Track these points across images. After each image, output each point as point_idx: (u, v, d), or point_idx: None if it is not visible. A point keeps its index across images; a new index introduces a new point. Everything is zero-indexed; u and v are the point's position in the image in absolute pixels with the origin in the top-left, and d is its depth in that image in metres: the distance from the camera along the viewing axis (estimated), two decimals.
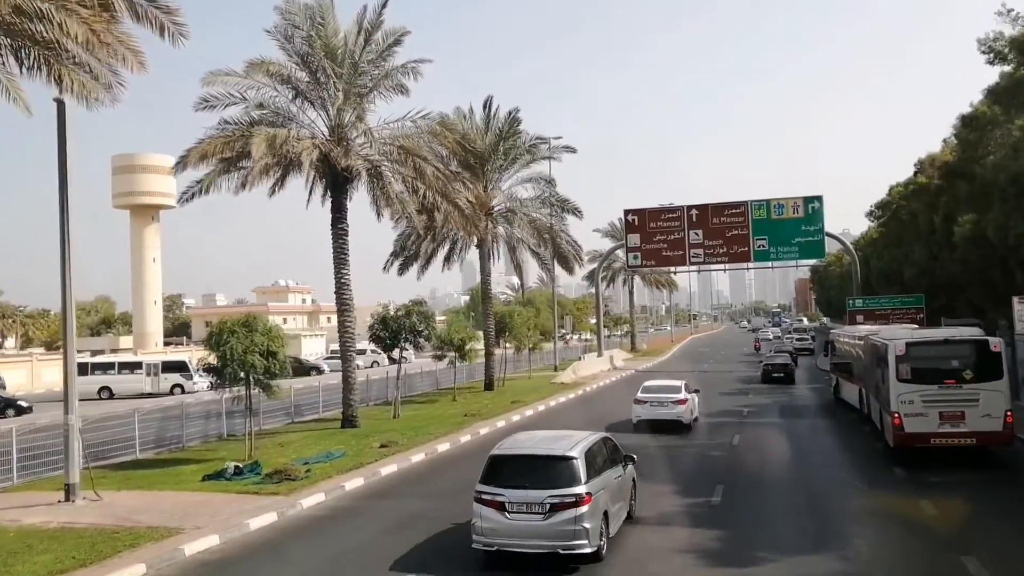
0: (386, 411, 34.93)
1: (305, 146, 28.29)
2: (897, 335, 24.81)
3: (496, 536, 13.58)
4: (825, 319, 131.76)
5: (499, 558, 13.67)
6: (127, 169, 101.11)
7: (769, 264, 59.85)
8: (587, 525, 13.27)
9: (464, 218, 31.76)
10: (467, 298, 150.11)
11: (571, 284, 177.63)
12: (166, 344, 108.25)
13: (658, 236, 60.22)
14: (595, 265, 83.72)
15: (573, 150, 47.88)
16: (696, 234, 59.35)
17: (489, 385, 44.63)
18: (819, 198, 57.55)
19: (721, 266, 61.14)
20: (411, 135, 31.13)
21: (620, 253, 67.37)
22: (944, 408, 21.38)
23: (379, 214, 31.36)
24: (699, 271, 63.52)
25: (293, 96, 31.27)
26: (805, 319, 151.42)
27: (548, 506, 13.31)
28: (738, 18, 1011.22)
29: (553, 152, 46.35)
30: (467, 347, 39.57)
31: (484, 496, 13.73)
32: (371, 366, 68.91)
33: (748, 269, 60.81)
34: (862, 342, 30.60)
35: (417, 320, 34.25)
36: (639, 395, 30.20)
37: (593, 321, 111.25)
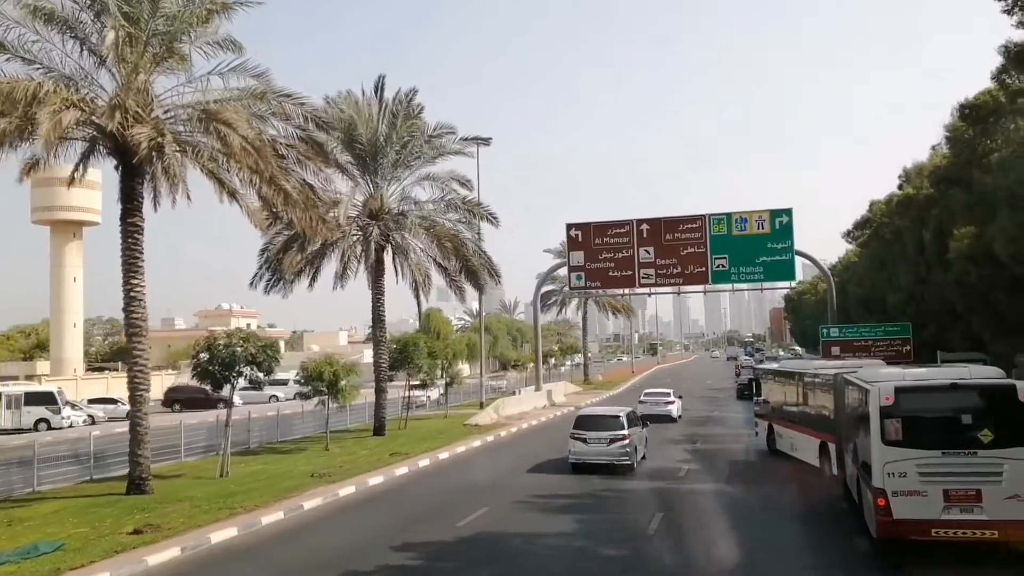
0: (233, 464, 26.66)
1: (51, 104, 19.94)
2: (880, 376, 17.26)
3: (580, 455, 26.28)
4: (800, 349, 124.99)
5: (581, 466, 26.02)
6: (46, 182, 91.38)
7: (729, 286, 52.17)
8: (628, 451, 26.07)
9: (301, 210, 23.36)
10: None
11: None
12: (94, 370, 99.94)
13: (604, 254, 52.51)
14: (547, 287, 76.48)
15: (486, 142, 39.82)
16: (647, 252, 51.63)
17: (379, 429, 36.06)
18: (788, 211, 49.94)
19: (674, 288, 53.19)
20: (223, 99, 22.98)
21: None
22: (951, 484, 14.62)
23: (156, 202, 23.18)
24: (650, 294, 55.38)
25: (81, 50, 23.26)
26: (798, 348, 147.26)
27: (608, 440, 26.00)
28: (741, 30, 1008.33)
29: (464, 146, 38.03)
30: (342, 383, 31.16)
31: (575, 435, 26.52)
32: (293, 398, 60.45)
33: (705, 292, 53.03)
34: (823, 382, 23.70)
35: (255, 350, 26.03)
36: (642, 398, 43.47)
37: (557, 348, 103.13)
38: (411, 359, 38.65)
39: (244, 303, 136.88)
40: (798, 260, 52.47)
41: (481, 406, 48.19)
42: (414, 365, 38.94)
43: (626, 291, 56.42)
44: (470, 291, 40.56)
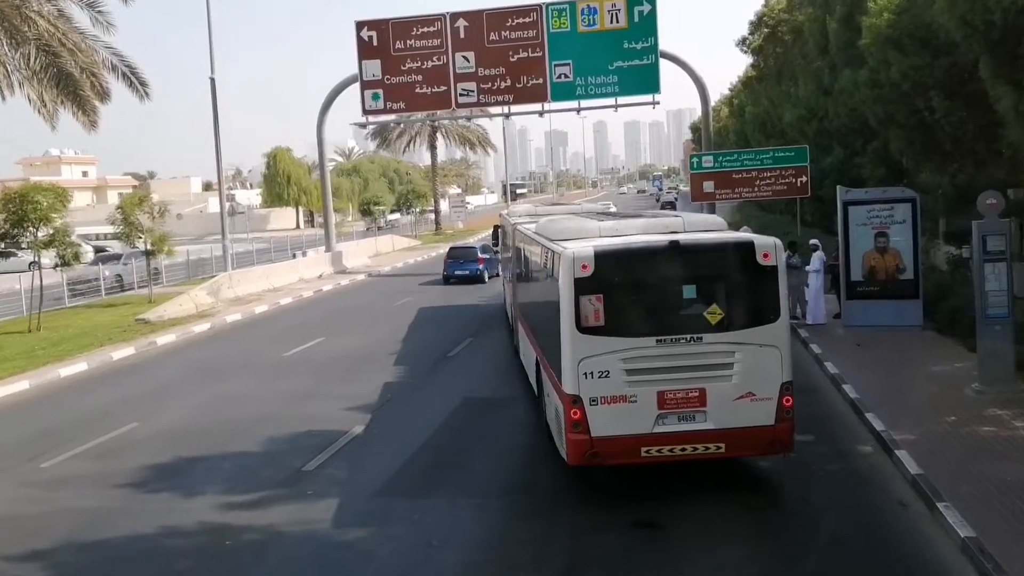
0: None
1: None
2: (564, 230, 11.63)
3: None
4: None
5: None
6: None
7: (575, 103, 38.35)
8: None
9: None
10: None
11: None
12: None
13: (409, 63, 38.40)
14: (392, 118, 61.80)
15: None
16: (465, 59, 37.71)
17: None
18: None
19: (502, 109, 39.29)
20: None
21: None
22: (669, 384, 9.96)
23: None
24: (470, 117, 41.70)
25: None
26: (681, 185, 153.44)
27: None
28: None
29: None
30: None
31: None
32: (55, 267, 45.87)
33: (542, 113, 39.11)
34: (519, 233, 17.33)
35: None
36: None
37: (382, 195, 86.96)
38: (31, 224, 24.51)
39: (80, 149, 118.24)
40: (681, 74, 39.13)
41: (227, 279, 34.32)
42: (34, 234, 24.75)
43: (437, 115, 42.25)
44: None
